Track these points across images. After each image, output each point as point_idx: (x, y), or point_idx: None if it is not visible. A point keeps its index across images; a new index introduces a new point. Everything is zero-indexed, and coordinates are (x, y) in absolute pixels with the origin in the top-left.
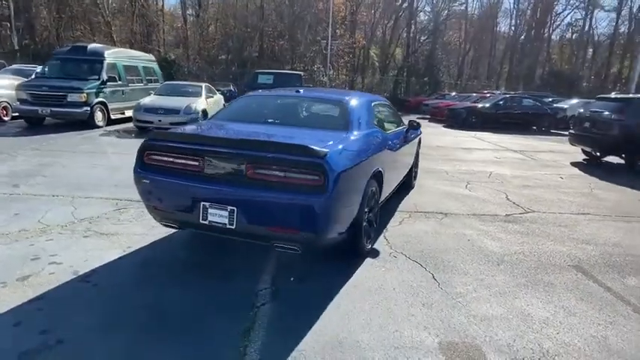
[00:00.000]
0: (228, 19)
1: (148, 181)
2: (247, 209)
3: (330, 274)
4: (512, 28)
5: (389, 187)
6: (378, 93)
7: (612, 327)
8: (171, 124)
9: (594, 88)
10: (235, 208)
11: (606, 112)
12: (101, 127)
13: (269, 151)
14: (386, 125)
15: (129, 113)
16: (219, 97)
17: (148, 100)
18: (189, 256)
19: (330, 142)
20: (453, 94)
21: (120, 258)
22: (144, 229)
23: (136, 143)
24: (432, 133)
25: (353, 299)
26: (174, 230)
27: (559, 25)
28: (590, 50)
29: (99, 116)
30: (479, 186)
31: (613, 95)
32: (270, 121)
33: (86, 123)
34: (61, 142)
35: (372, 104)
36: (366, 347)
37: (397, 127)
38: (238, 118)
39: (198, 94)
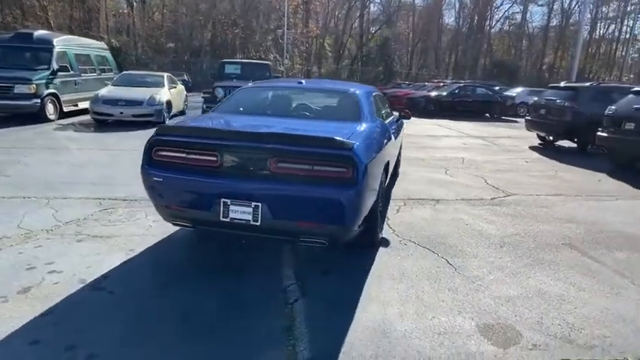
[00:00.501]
0: (176, 5)
1: (160, 179)
2: (274, 204)
3: (350, 266)
4: (456, 20)
5: (389, 175)
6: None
7: (618, 298)
8: (134, 116)
9: (532, 78)
10: (260, 204)
11: (559, 100)
12: (53, 120)
13: (295, 144)
14: (383, 115)
15: (82, 105)
16: (181, 88)
17: (106, 92)
18: (199, 256)
19: (350, 134)
20: (407, 83)
21: (126, 262)
22: (141, 230)
23: (97, 137)
24: None
25: (381, 289)
26: (173, 229)
27: (499, 19)
28: (525, 42)
29: (50, 109)
30: (457, 172)
31: (563, 84)
32: (279, 113)
33: (36, 116)
34: (11, 137)
35: (372, 95)
36: (411, 336)
37: (390, 117)
38: (245, 111)
39: (160, 85)
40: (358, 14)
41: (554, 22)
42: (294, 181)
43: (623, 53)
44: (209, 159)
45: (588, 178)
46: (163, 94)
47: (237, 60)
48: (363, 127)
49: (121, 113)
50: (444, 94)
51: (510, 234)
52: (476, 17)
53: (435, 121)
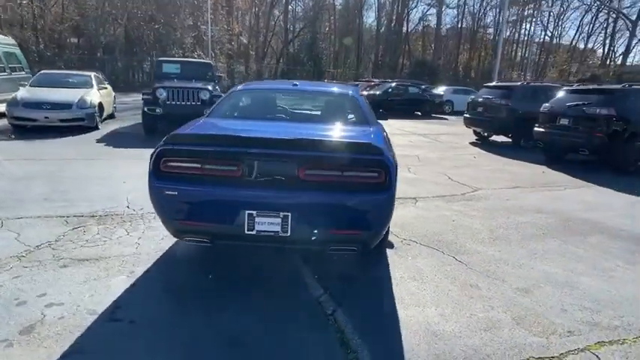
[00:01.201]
0: None
1: (174, 193)
2: (304, 213)
3: (368, 270)
4: (376, 20)
5: None
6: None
7: (613, 280)
8: (62, 121)
9: (450, 77)
10: (289, 214)
11: (495, 98)
12: None
13: (326, 150)
14: None
15: None
16: (110, 89)
17: (25, 93)
18: (210, 273)
19: (371, 138)
20: (335, 82)
21: (133, 286)
22: (129, 249)
23: (26, 146)
24: None
25: (409, 291)
26: (166, 245)
27: (415, 19)
28: (443, 42)
29: None
30: (419, 169)
31: (493, 84)
32: (284, 117)
33: None
34: None
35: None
36: (461, 335)
37: None
38: (248, 115)
39: (88, 85)
40: (280, 12)
41: (464, 23)
42: (325, 188)
43: (525, 54)
44: (230, 168)
45: (533, 171)
46: (94, 96)
47: (176, 59)
48: (373, 130)
49: (47, 118)
50: (379, 93)
51: (495, 227)
52: (394, 18)
53: None
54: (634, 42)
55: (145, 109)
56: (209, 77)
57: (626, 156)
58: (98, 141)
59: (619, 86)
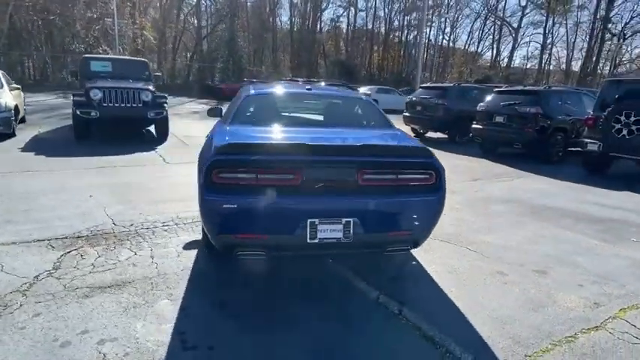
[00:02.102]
0: None
1: (232, 206)
2: (365, 218)
3: (404, 268)
4: (290, 19)
5: None
6: (180, 79)
7: (605, 256)
8: None
9: (367, 77)
10: (351, 220)
11: (432, 98)
12: None
13: (384, 155)
14: None
15: None
16: (20, 89)
17: None
18: (255, 285)
19: (410, 141)
20: (255, 80)
21: (183, 309)
22: (150, 270)
23: None
24: None
25: (455, 284)
26: (191, 262)
27: (331, 22)
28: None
29: None
30: None
31: (429, 84)
32: (317, 122)
33: None
34: None
35: None
36: (518, 317)
37: None
38: (277, 121)
39: None
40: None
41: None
42: (382, 191)
43: (426, 57)
44: (289, 177)
45: (479, 164)
46: (7, 97)
47: (106, 56)
48: (399, 132)
49: None
50: None
51: (483, 218)
52: (308, 18)
53: None
54: (517, 47)
55: (78, 111)
56: (146, 76)
57: (551, 148)
58: (22, 150)
59: (542, 87)
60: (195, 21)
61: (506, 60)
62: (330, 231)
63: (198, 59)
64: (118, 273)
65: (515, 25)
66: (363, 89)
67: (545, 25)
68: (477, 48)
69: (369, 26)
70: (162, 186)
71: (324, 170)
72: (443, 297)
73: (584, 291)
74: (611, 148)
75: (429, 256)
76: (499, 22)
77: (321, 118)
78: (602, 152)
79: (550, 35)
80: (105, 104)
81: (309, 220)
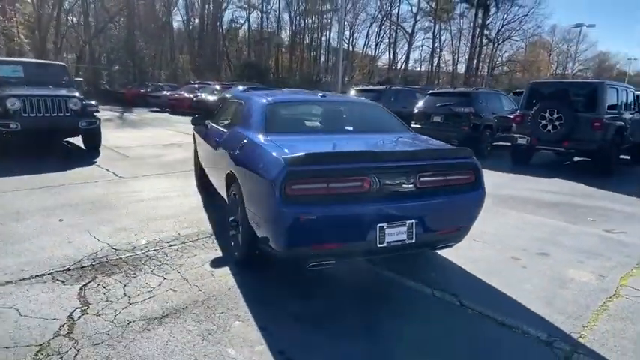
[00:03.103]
0: None
1: (313, 217)
2: (423, 219)
3: (437, 263)
4: (184, 19)
5: None
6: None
7: (576, 230)
8: None
9: (276, 79)
10: (413, 221)
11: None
12: None
13: (434, 159)
14: None
15: None
16: None
17: None
18: (312, 298)
19: (437, 142)
20: (169, 85)
21: (264, 329)
22: (193, 293)
23: None
24: None
25: (487, 273)
26: (230, 281)
27: (235, 22)
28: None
29: None
30: None
31: (363, 87)
32: (348, 129)
33: None
34: None
35: None
36: (570, 296)
37: None
38: (311, 130)
39: None
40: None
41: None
42: (436, 192)
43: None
44: (358, 184)
45: None
46: None
47: (15, 59)
48: (422, 136)
49: None
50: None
51: None
52: (207, 18)
53: None
54: (411, 50)
55: None
56: (66, 82)
57: (482, 144)
58: None
59: (472, 89)
60: (82, 18)
61: (403, 62)
62: (396, 234)
63: (88, 60)
64: (163, 300)
65: (409, 30)
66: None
67: (434, 31)
68: (375, 51)
69: (273, 27)
70: (133, 203)
71: (389, 176)
72: (483, 284)
73: (587, 266)
74: (538, 142)
75: (444, 250)
76: (394, 27)
77: (347, 124)
78: (530, 145)
79: (438, 40)
80: (26, 114)
81: (378, 225)
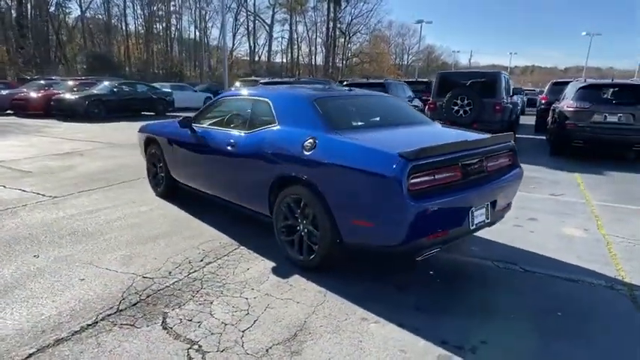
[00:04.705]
0: None
1: (435, 208)
2: (495, 200)
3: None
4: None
5: None
6: None
7: (530, 195)
8: None
9: (135, 74)
10: (489, 203)
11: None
12: None
13: (494, 144)
14: None
15: None
16: None
17: None
18: (408, 286)
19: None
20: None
21: (400, 325)
22: (259, 310)
23: None
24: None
25: (522, 241)
26: (311, 284)
27: (62, 7)
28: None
29: None
30: None
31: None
32: (393, 122)
33: None
34: None
35: None
36: (596, 250)
37: None
38: (364, 125)
39: None
40: None
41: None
42: (500, 174)
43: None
44: (454, 174)
45: None
46: None
47: None
48: (445, 124)
49: None
50: (105, 92)
51: None
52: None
53: (115, 124)
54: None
55: None
56: None
57: None
58: None
59: (384, 80)
60: None
61: (265, 54)
62: (480, 215)
63: None
64: (274, 320)
65: (268, 22)
66: (163, 87)
67: (290, 23)
68: (232, 43)
69: (118, 14)
70: (104, 225)
71: (474, 163)
72: (520, 251)
73: (569, 224)
74: (453, 125)
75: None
76: (252, 18)
77: (389, 118)
78: None
79: (295, 32)
80: None
81: (471, 209)
